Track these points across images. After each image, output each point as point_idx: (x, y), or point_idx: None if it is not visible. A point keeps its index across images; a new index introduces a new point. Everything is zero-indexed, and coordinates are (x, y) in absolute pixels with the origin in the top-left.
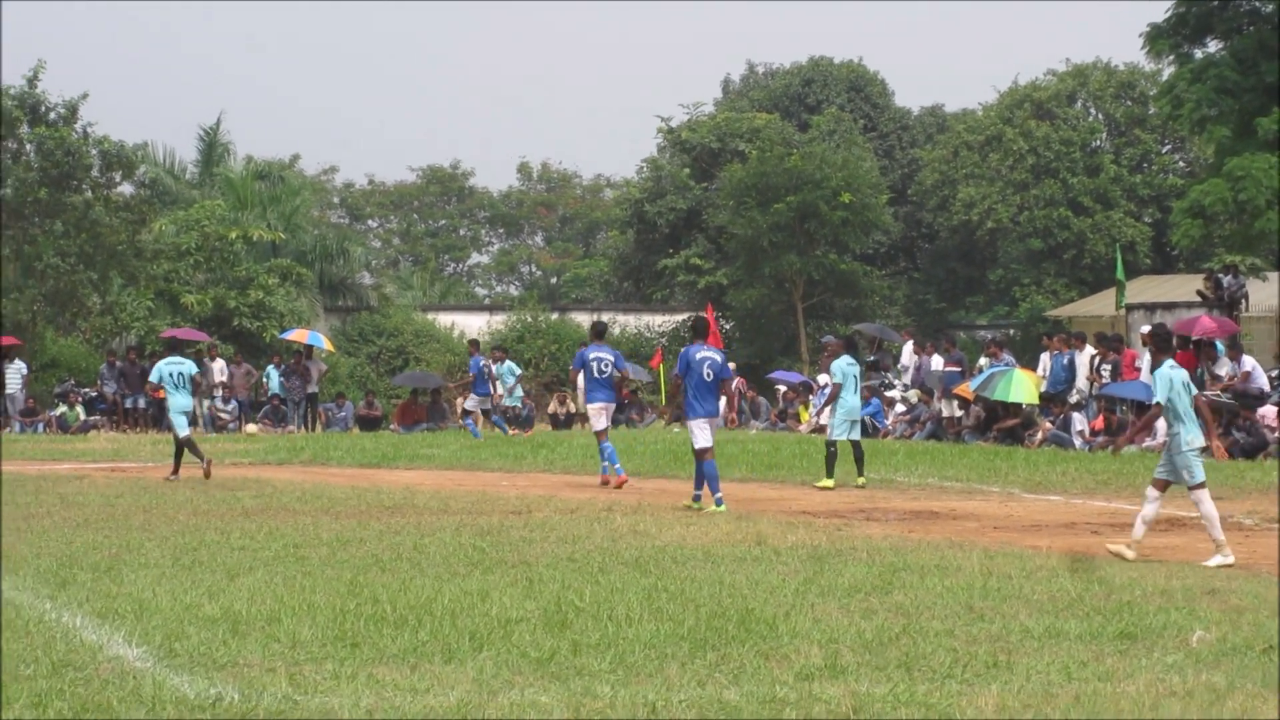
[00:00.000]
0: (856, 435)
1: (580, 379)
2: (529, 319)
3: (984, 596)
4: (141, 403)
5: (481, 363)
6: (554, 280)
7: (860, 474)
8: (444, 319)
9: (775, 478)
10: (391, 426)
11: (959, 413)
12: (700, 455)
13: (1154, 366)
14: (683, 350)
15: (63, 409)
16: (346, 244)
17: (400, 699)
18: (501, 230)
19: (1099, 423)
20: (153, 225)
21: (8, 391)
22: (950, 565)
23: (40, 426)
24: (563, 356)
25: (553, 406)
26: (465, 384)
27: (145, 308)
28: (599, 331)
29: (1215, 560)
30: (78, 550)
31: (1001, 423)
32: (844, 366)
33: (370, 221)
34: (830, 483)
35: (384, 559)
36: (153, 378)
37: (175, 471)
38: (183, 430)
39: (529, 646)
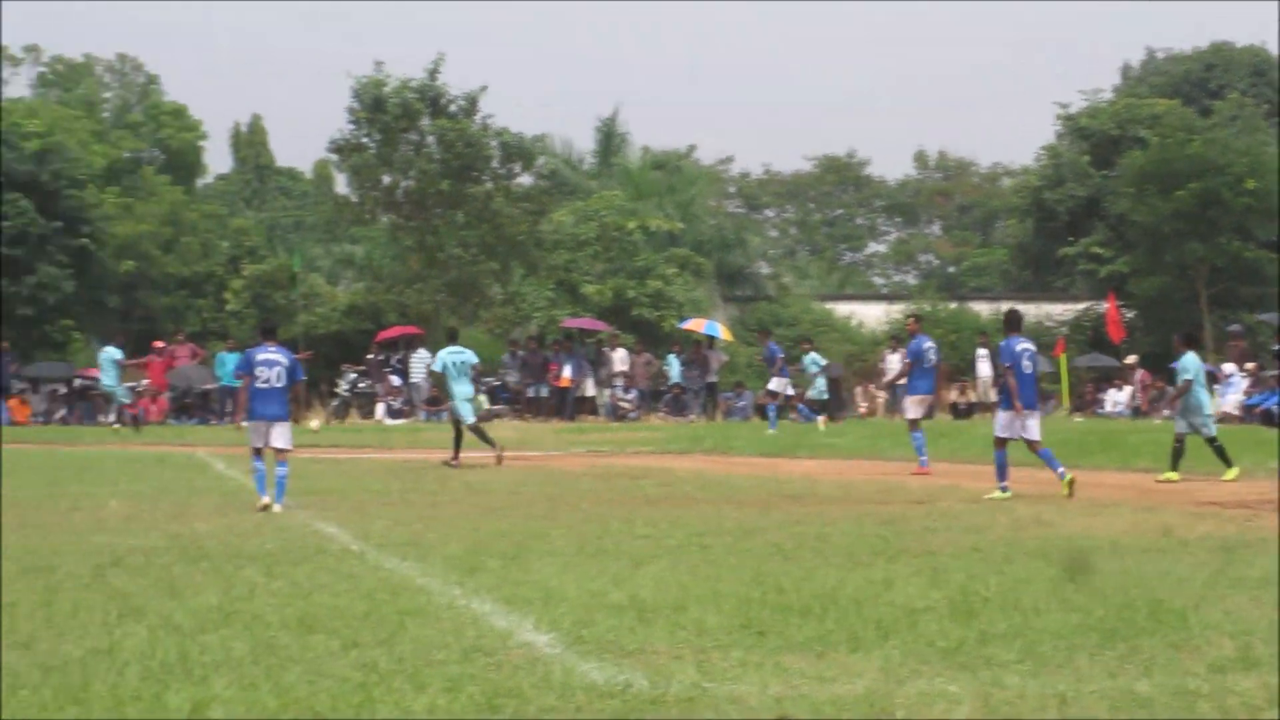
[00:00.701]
0: (1211, 431)
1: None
2: (927, 308)
3: None
4: (544, 391)
5: (777, 350)
6: (951, 269)
7: (1173, 468)
8: (842, 308)
9: (1181, 468)
10: (791, 416)
11: None
12: (998, 444)
13: None
14: (1003, 342)
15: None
16: (744, 233)
17: (808, 687)
18: (898, 219)
19: None
20: (552, 216)
21: (412, 380)
22: None
23: (444, 415)
24: (961, 346)
25: (953, 395)
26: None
27: (545, 297)
28: (918, 320)
29: None
30: (485, 537)
31: None
32: (1193, 361)
33: (767, 211)
34: (1234, 472)
35: (786, 548)
36: (435, 366)
37: (455, 457)
38: (469, 418)
39: (935, 636)
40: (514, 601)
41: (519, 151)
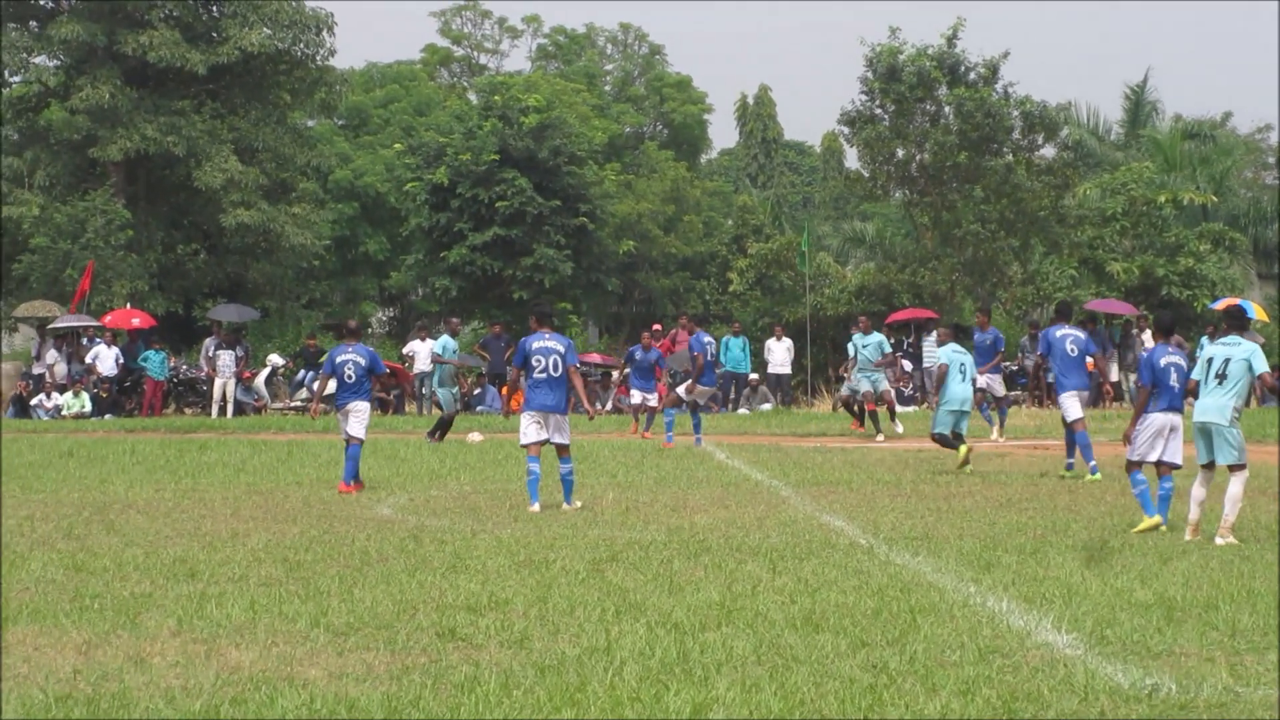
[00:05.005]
0: (963, 427)
1: None
2: None
3: None
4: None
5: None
6: None
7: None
8: None
9: None
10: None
11: None
12: (1072, 426)
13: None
14: (1042, 332)
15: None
16: None
17: None
18: None
19: None
20: (1076, 189)
21: (925, 366)
22: None
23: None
24: None
25: None
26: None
27: (1068, 276)
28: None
29: None
30: (1001, 531)
31: None
32: (950, 354)
33: None
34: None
35: None
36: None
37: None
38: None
39: None
40: (1032, 599)
41: (1042, 121)
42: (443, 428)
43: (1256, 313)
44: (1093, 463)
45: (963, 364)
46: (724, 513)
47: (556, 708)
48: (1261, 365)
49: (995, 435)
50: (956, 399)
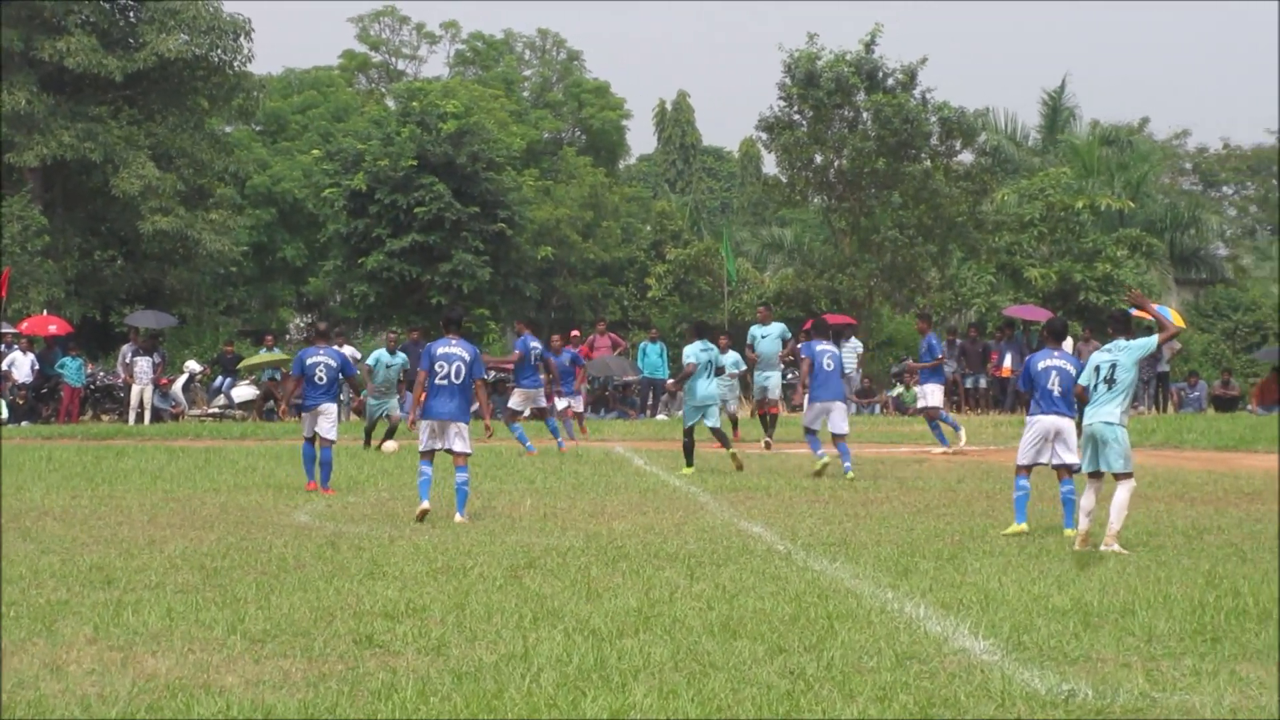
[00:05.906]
0: (713, 421)
1: None
2: None
3: None
4: (983, 383)
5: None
6: None
7: (689, 465)
8: None
9: None
10: (1249, 407)
11: None
12: (807, 429)
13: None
14: (802, 346)
15: (900, 389)
16: (1199, 212)
17: (1266, 698)
18: None
19: None
20: (994, 195)
21: (846, 372)
22: None
23: (876, 408)
24: None
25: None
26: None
27: (986, 282)
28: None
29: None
30: (919, 537)
31: None
32: (696, 352)
33: (1225, 188)
34: (689, 470)
35: (1244, 549)
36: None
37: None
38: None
39: None
40: (949, 605)
41: (959, 127)
42: (388, 434)
43: (1174, 318)
44: (823, 455)
45: (709, 362)
46: (642, 519)
47: (474, 714)
48: (1145, 347)
49: (960, 443)
50: (698, 395)
